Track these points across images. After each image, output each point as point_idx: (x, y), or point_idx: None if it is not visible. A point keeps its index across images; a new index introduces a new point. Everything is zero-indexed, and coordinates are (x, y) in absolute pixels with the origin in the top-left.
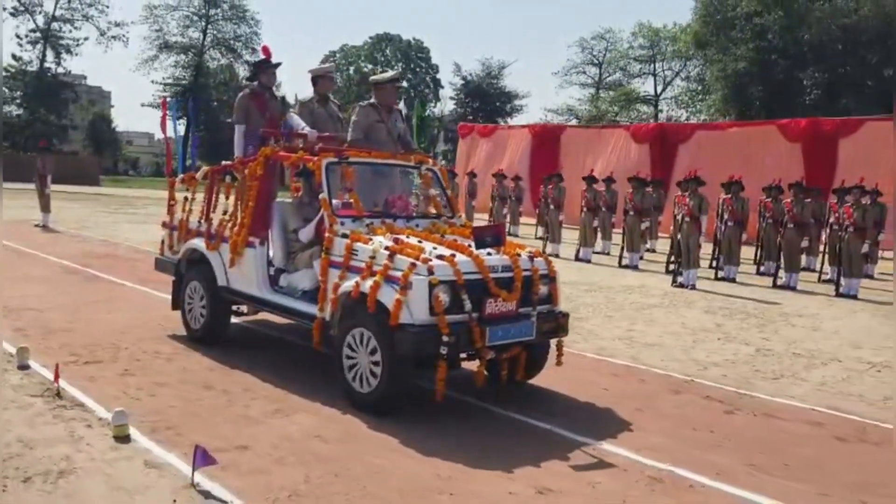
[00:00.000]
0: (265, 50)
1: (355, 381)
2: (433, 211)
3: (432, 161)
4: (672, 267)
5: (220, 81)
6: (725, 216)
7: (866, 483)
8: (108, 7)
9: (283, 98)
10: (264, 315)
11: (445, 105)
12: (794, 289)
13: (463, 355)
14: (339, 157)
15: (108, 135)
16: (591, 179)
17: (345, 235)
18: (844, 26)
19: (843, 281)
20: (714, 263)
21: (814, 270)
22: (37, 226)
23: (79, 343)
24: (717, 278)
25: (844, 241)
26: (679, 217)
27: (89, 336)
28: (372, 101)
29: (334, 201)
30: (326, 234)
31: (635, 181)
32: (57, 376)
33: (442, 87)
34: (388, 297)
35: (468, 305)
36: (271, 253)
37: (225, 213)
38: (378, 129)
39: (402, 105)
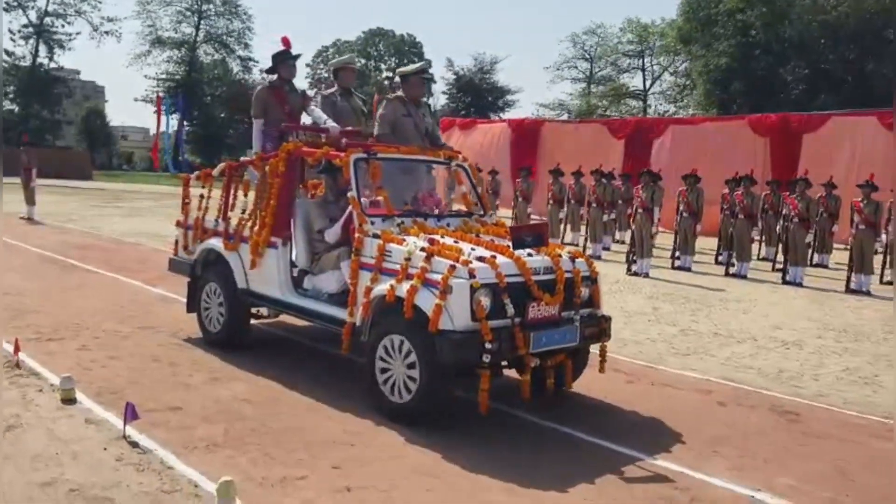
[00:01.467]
0: (285, 41)
1: (390, 391)
2: (463, 208)
3: (462, 157)
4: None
5: (214, 77)
6: (681, 207)
7: (724, 437)
8: (100, 2)
9: (304, 91)
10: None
11: (438, 100)
12: (744, 277)
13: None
14: (368, 153)
15: (101, 130)
16: (557, 172)
17: (376, 236)
18: (824, 22)
19: (788, 269)
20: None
21: (770, 260)
22: (22, 218)
23: (45, 323)
24: (673, 267)
25: (790, 232)
26: (635, 208)
27: (56, 318)
28: (399, 93)
29: (362, 199)
30: (356, 235)
31: (597, 174)
32: (17, 350)
33: (434, 83)
34: (426, 301)
35: (511, 310)
36: (294, 254)
37: (244, 211)
38: (405, 123)
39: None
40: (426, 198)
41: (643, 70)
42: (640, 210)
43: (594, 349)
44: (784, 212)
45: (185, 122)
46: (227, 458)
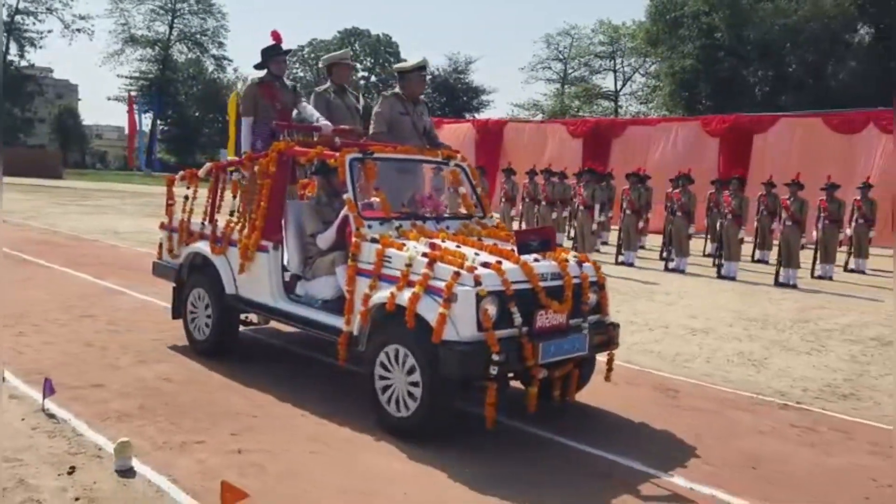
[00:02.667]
0: (275, 35)
1: (390, 404)
2: (463, 211)
3: (461, 157)
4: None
5: (189, 76)
6: (624, 205)
7: (606, 411)
8: (72, 0)
9: (295, 87)
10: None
11: None
12: (682, 272)
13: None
14: (364, 153)
15: (74, 129)
16: (509, 171)
17: (374, 240)
18: (785, 26)
19: (723, 264)
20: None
21: (713, 256)
22: None
23: None
24: (616, 263)
25: (724, 228)
26: (576, 207)
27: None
28: (396, 90)
29: (358, 201)
30: (353, 239)
31: (546, 173)
32: None
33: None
34: (429, 310)
35: (518, 319)
36: (286, 258)
37: (232, 213)
38: (402, 121)
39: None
40: (425, 199)
41: (615, 71)
42: (581, 207)
43: (601, 357)
44: (722, 209)
45: (158, 121)
46: (135, 427)
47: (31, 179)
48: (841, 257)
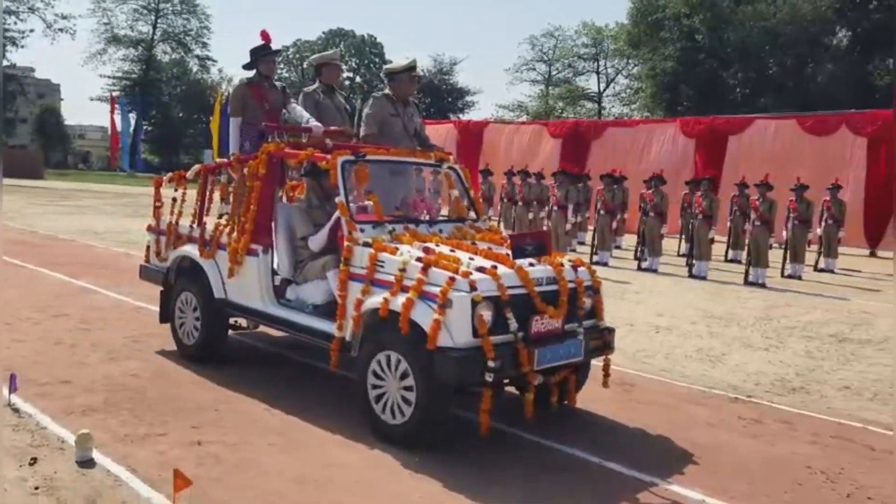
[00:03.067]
0: (264, 35)
1: (383, 411)
2: (455, 214)
3: (453, 159)
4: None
5: (173, 76)
6: (598, 206)
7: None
8: None
9: (284, 88)
10: None
11: None
12: (655, 271)
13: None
14: (356, 155)
15: (56, 128)
16: (486, 172)
17: (367, 244)
18: (764, 29)
19: (694, 263)
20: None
21: (684, 255)
22: None
23: None
24: (591, 262)
25: (695, 228)
26: (550, 206)
27: None
28: (386, 91)
29: (350, 204)
30: (345, 243)
31: (522, 174)
32: None
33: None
34: (423, 316)
35: (514, 325)
36: (276, 262)
37: (220, 216)
38: (393, 123)
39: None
40: (417, 202)
41: (598, 73)
42: (555, 208)
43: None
44: (693, 210)
45: (142, 122)
46: (98, 420)
47: (11, 180)
48: (811, 257)
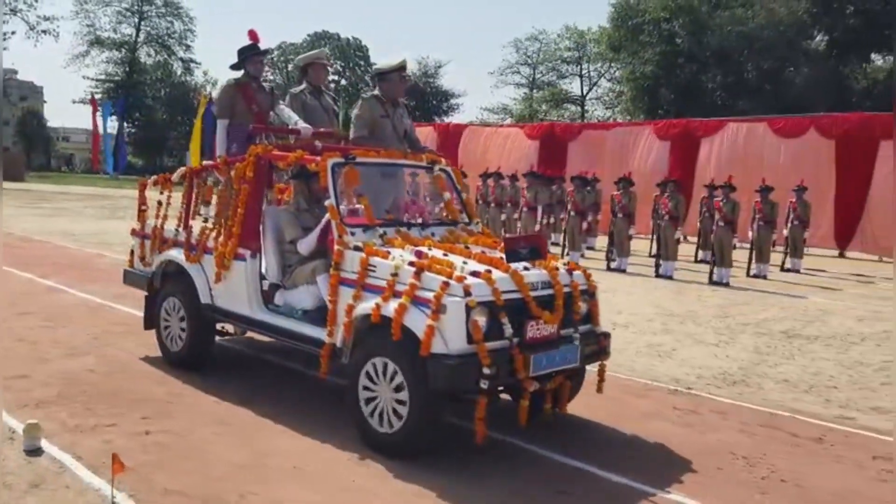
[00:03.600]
0: (252, 34)
1: (374, 419)
2: (448, 217)
3: (445, 161)
4: None
5: (157, 78)
6: (569, 206)
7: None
8: (36, 1)
9: (273, 89)
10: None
11: None
12: (623, 271)
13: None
14: (346, 157)
15: (38, 131)
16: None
17: (357, 248)
18: (741, 33)
19: (661, 263)
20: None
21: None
22: None
23: None
24: None
25: (661, 229)
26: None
27: None
28: (375, 92)
29: (341, 208)
30: (336, 247)
31: (496, 176)
32: None
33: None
34: (416, 322)
35: (509, 330)
36: (264, 266)
37: (206, 220)
38: (383, 124)
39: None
40: (409, 205)
41: (580, 76)
42: (524, 209)
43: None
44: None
45: (125, 124)
46: (51, 412)
47: None
48: (779, 257)
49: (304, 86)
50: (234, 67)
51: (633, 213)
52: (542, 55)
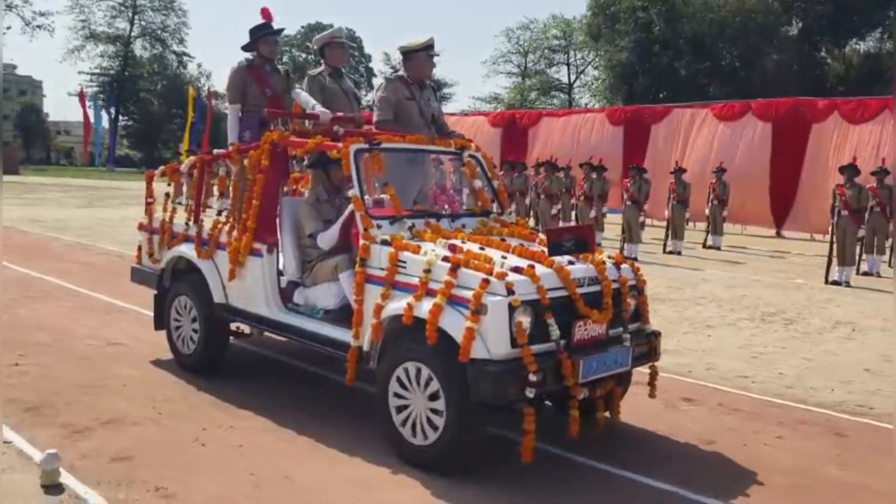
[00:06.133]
0: (265, 13)
1: (407, 430)
2: (479, 207)
3: (474, 146)
4: None
5: (153, 71)
6: (539, 192)
7: None
8: None
9: (288, 72)
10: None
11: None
12: None
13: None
14: (370, 143)
15: (37, 125)
16: None
17: (385, 242)
18: (714, 21)
19: (625, 246)
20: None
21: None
22: None
23: None
24: None
25: (625, 212)
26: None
27: None
28: (401, 73)
29: (365, 198)
30: (361, 241)
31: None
32: None
33: (375, 76)
34: (454, 324)
35: (556, 332)
36: (281, 263)
37: (219, 213)
38: (409, 107)
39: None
40: (438, 195)
41: (568, 65)
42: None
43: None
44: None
45: (121, 117)
46: None
47: None
48: (700, 235)
49: (322, 68)
50: (246, 48)
51: (595, 197)
52: (532, 44)
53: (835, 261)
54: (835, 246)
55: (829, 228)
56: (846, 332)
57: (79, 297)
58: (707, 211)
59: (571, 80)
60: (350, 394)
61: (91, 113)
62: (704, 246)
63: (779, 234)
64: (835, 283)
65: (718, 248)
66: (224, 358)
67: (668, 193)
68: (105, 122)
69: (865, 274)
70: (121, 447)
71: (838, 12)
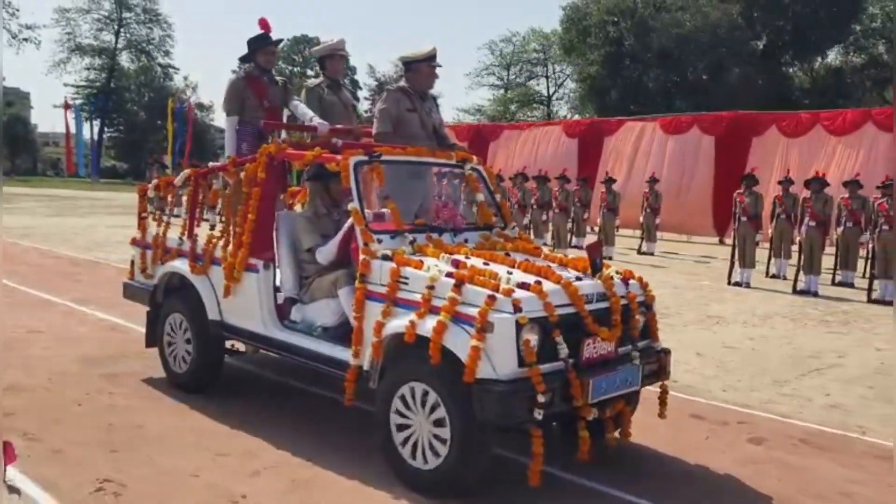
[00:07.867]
0: (263, 23)
1: (408, 451)
2: (481, 221)
3: (477, 159)
4: None
5: (140, 83)
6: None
7: None
8: (18, 10)
9: (286, 83)
10: None
11: (362, 105)
12: None
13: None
14: (370, 155)
15: (24, 136)
16: None
17: (386, 257)
18: (680, 35)
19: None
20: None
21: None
22: None
23: None
24: None
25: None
26: None
27: None
28: (402, 84)
29: (366, 212)
30: (361, 256)
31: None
32: None
33: (360, 88)
34: (459, 342)
35: (564, 350)
36: (278, 278)
37: (213, 227)
38: (410, 118)
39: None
40: (440, 208)
41: (547, 77)
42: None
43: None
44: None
45: (105, 129)
46: None
47: None
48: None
49: (321, 79)
50: (244, 59)
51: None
52: (514, 57)
53: (737, 264)
54: (736, 250)
55: (732, 234)
56: (709, 325)
57: (16, 293)
58: (641, 219)
59: (550, 93)
60: (346, 412)
61: (72, 124)
62: (639, 252)
63: (721, 242)
64: (737, 284)
65: (652, 254)
66: (218, 377)
67: (601, 202)
68: (87, 133)
69: (773, 276)
70: (9, 406)
71: (798, 30)
